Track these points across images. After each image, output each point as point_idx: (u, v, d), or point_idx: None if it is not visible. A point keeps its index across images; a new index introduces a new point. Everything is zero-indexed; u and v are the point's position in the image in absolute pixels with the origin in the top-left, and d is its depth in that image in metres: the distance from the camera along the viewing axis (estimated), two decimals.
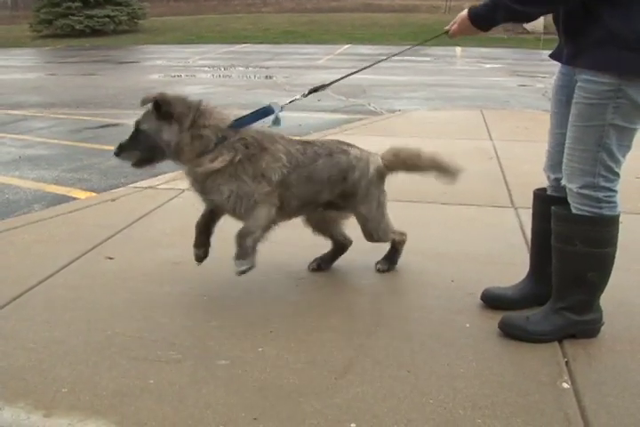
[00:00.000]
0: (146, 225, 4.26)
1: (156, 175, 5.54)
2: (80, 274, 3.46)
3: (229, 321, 2.93)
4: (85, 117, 9.29)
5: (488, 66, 15.39)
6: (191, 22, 30.76)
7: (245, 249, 2.94)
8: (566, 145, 2.61)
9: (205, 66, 17.41)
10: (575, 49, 2.51)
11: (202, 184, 2.93)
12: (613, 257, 2.67)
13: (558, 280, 2.74)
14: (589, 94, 2.46)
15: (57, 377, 2.48)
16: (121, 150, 2.88)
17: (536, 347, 2.71)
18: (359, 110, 9.44)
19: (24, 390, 2.39)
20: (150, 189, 5.09)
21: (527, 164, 5.59)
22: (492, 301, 3.05)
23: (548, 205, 2.80)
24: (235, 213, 2.99)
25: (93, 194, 5.30)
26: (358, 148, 3.25)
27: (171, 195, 4.87)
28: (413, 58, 18.77)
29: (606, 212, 2.58)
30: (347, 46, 22.70)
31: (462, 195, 4.70)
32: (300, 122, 8.51)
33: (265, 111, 2.96)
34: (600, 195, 2.55)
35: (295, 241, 3.66)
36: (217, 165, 2.82)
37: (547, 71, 13.35)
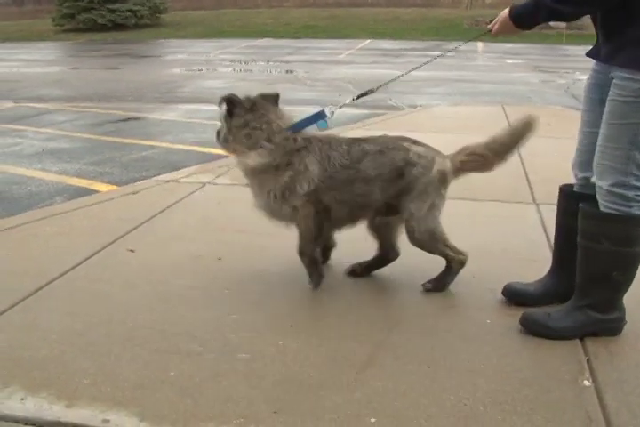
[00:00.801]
0: (167, 218, 4.28)
1: (178, 169, 5.57)
2: (101, 267, 3.49)
3: (250, 315, 2.95)
4: (107, 111, 9.34)
5: (510, 61, 15.27)
6: (212, 17, 30.78)
7: (306, 268, 3.20)
8: (598, 142, 2.57)
9: (226, 60, 17.43)
10: (612, 47, 2.49)
11: (248, 179, 3.20)
12: None
13: (582, 278, 2.72)
14: (625, 92, 2.43)
15: (79, 368, 2.51)
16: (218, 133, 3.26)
17: (557, 344, 2.69)
18: (380, 105, 9.40)
19: (46, 381, 2.42)
20: (172, 183, 5.11)
21: (549, 160, 5.55)
22: (513, 296, 3.04)
23: (573, 201, 2.77)
24: (273, 217, 3.20)
25: (115, 187, 5.33)
26: (426, 145, 3.11)
27: (192, 188, 4.89)
28: (435, 53, 18.69)
29: (636, 211, 2.54)
30: (368, 41, 22.60)
31: (483, 191, 4.68)
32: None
33: (319, 115, 3.24)
34: (630, 193, 2.51)
35: None
36: (251, 162, 3.07)
37: (569, 67, 13.19)
